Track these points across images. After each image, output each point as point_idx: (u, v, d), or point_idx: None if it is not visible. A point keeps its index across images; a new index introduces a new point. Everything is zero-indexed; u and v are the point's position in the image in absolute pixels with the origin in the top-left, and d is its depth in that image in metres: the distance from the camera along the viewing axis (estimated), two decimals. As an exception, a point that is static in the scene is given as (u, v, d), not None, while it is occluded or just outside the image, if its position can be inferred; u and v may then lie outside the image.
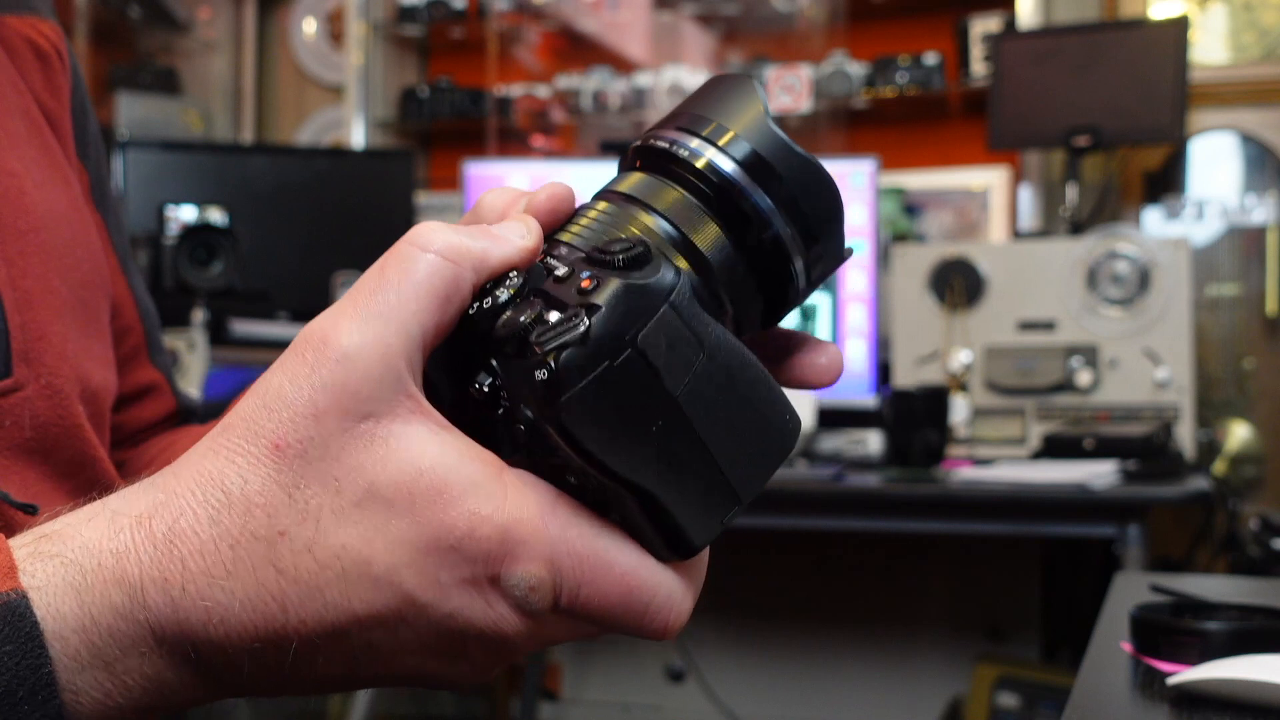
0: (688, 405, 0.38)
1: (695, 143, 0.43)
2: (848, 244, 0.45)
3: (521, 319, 0.38)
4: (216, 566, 0.37)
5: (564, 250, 0.42)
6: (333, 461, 0.37)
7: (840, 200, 0.44)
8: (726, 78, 0.45)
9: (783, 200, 0.42)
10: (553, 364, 0.37)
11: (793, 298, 0.44)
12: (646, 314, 0.37)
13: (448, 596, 0.37)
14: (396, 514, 0.37)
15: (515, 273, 0.40)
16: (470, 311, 0.40)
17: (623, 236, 0.40)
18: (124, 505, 0.38)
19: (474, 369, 0.40)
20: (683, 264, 0.41)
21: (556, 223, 0.43)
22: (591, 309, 0.37)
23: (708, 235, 0.42)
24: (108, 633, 0.37)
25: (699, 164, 0.42)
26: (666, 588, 0.39)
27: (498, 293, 0.40)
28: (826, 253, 0.44)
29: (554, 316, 0.37)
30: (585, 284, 0.38)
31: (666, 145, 0.43)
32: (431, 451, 0.38)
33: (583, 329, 0.37)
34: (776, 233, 0.42)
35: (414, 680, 0.40)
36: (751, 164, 0.42)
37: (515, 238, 0.41)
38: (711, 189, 0.42)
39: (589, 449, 0.37)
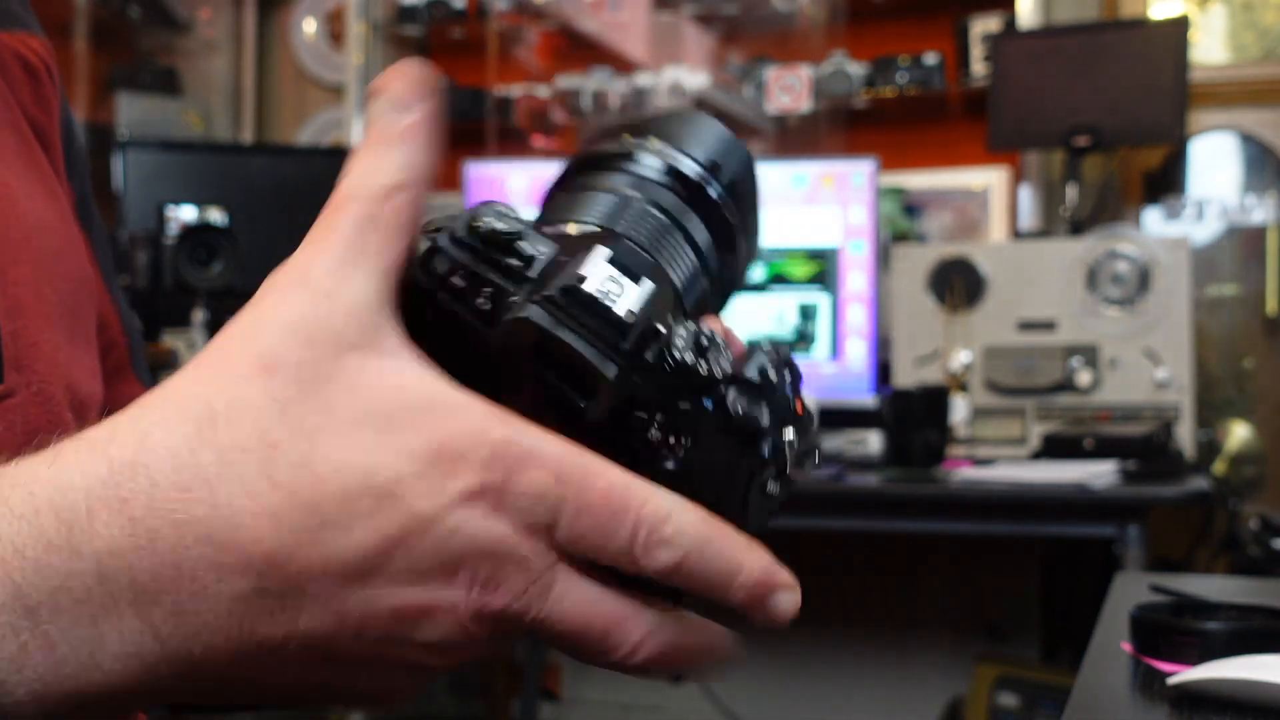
0: None
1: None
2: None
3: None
4: (197, 480, 0.32)
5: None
6: (326, 383, 0.34)
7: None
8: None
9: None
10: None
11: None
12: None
13: (451, 509, 0.34)
14: (398, 428, 0.34)
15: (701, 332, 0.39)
16: (667, 365, 0.38)
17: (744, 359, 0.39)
18: (76, 440, 0.34)
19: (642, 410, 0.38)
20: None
21: None
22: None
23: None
24: (33, 569, 0.31)
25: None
26: (667, 502, 0.36)
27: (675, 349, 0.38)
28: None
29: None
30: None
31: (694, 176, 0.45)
32: (426, 376, 0.36)
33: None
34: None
35: (392, 666, 0.37)
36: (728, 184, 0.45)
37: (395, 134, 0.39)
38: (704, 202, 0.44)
39: None
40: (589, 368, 0.36)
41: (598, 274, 0.37)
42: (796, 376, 0.40)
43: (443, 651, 0.37)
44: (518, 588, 0.35)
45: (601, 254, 0.37)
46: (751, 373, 0.38)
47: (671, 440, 0.38)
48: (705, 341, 0.37)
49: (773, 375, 0.39)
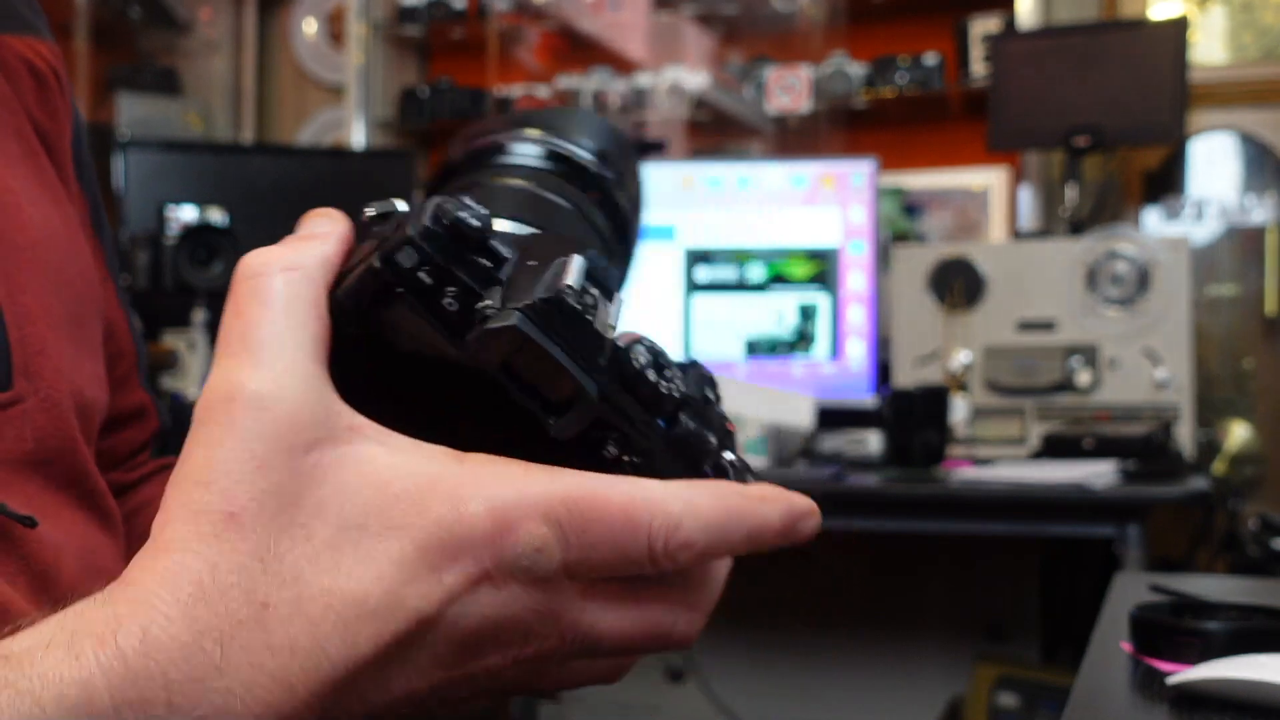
0: None
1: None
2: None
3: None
4: (204, 669, 0.32)
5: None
6: (294, 509, 0.34)
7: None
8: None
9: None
10: None
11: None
12: None
13: (453, 600, 0.34)
14: (375, 535, 0.34)
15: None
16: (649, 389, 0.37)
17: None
18: (82, 625, 0.33)
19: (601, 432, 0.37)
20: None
21: None
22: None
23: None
24: None
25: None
26: (675, 505, 0.36)
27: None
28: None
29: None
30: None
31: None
32: (387, 461, 0.35)
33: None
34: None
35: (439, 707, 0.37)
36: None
37: (322, 227, 0.40)
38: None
39: None
40: (571, 383, 0.35)
41: (579, 286, 0.35)
42: (719, 392, 0.40)
43: (510, 685, 0.37)
44: (548, 633, 0.36)
45: (579, 264, 0.36)
46: (696, 393, 0.38)
47: (625, 458, 0.37)
48: (661, 360, 0.37)
49: (711, 395, 0.39)
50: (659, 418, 0.37)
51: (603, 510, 0.35)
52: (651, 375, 0.36)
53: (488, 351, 0.35)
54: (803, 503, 0.39)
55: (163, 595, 0.33)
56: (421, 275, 0.35)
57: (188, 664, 0.32)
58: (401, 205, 0.38)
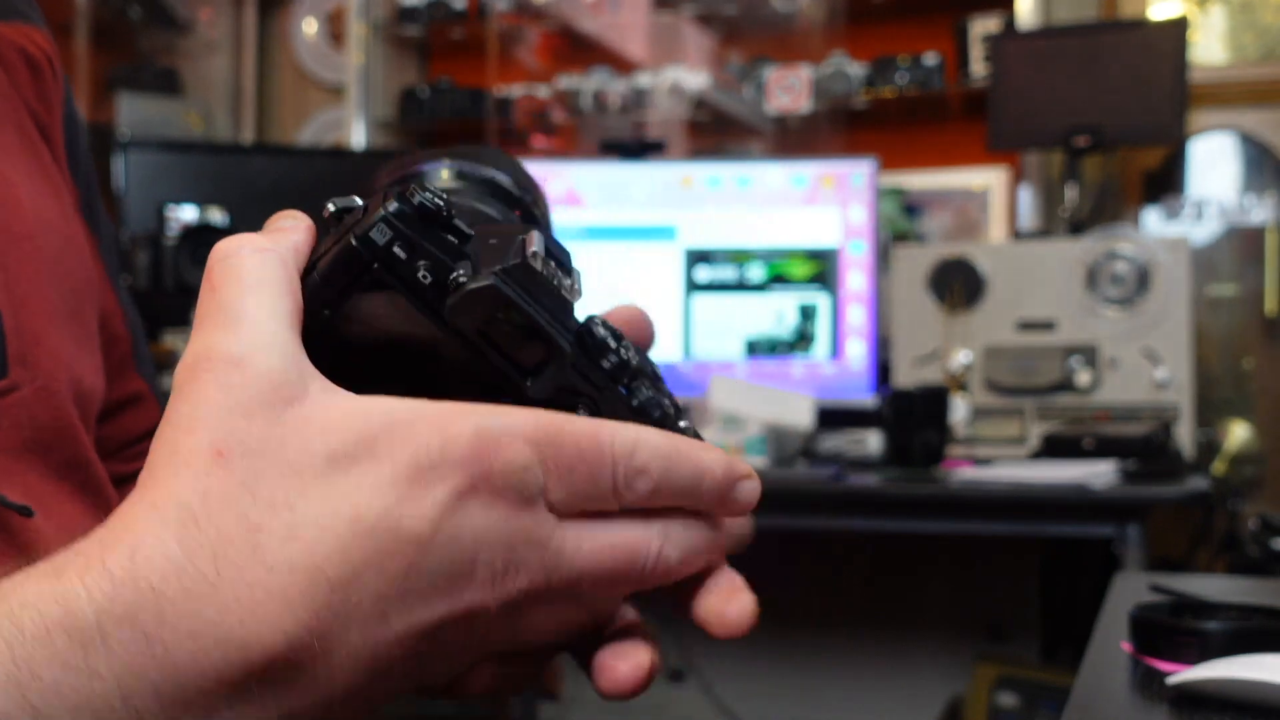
0: None
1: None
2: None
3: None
4: (198, 583, 0.32)
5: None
6: (279, 449, 0.34)
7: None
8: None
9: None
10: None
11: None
12: None
13: (446, 516, 0.34)
14: (365, 462, 0.34)
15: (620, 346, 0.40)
16: (607, 361, 0.39)
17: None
18: (68, 556, 0.33)
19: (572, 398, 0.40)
20: None
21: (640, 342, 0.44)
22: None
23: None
24: (52, 691, 0.31)
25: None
26: (629, 431, 0.37)
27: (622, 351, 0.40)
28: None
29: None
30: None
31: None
32: (366, 404, 0.36)
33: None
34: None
35: (436, 659, 0.37)
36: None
37: (288, 223, 0.40)
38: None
39: None
40: (546, 342, 0.37)
41: (542, 255, 0.38)
42: (658, 369, 0.43)
43: (504, 640, 0.37)
44: (533, 563, 0.36)
45: (539, 238, 0.38)
46: (648, 365, 0.41)
47: None
48: (617, 332, 0.39)
49: (654, 369, 0.42)
50: (620, 385, 0.39)
51: (575, 436, 0.36)
52: (613, 343, 0.39)
53: (467, 315, 0.37)
54: (743, 466, 0.40)
55: (151, 518, 0.33)
56: (396, 250, 0.37)
57: (179, 579, 0.32)
58: (360, 202, 0.39)
